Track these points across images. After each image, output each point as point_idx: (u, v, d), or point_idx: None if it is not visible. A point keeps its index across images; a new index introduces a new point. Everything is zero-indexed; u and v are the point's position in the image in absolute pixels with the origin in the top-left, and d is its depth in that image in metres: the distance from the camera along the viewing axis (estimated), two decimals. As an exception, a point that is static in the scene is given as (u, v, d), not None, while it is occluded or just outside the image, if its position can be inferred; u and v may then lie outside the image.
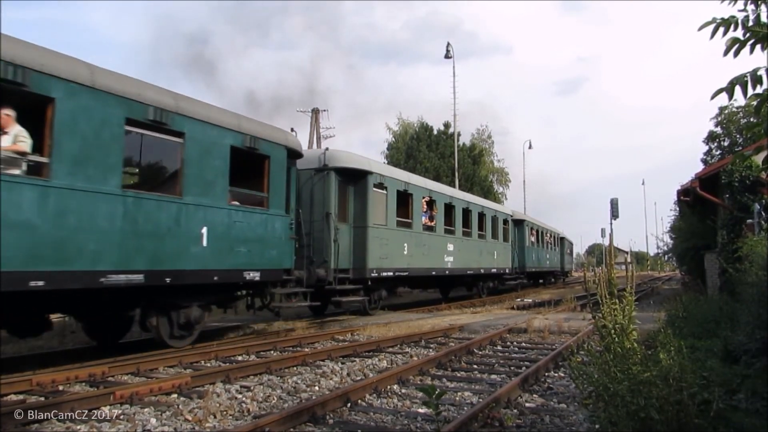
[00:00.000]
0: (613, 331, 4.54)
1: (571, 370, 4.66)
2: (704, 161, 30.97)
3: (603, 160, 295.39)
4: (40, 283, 6.28)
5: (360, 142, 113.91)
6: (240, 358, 8.40)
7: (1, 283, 5.85)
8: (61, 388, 6.28)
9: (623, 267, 36.78)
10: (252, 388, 6.18)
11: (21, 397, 5.89)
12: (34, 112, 6.65)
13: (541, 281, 33.86)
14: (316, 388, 6.35)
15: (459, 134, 36.35)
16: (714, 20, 2.61)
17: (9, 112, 6.64)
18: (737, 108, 28.66)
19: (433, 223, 17.07)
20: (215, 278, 8.76)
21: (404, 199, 15.56)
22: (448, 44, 29.28)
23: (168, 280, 7.93)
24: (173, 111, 8.13)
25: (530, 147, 45.67)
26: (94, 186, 6.94)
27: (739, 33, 2.57)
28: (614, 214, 26.84)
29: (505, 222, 24.69)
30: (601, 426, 3.62)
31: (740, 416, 3.88)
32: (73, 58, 7.02)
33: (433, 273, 17.11)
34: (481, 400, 5.47)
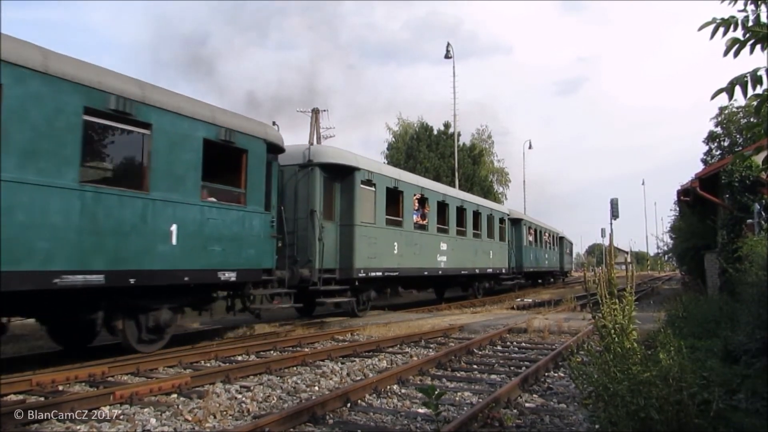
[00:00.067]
0: (613, 331, 4.54)
1: (571, 370, 4.66)
2: (704, 161, 30.99)
3: (603, 160, 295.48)
4: None
5: (360, 142, 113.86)
6: (240, 358, 8.39)
7: None
8: (61, 388, 6.28)
9: (623, 267, 36.72)
10: (252, 388, 6.18)
11: (21, 397, 5.90)
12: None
13: (540, 281, 33.58)
14: (316, 388, 6.36)
15: (459, 134, 36.40)
16: (714, 20, 2.61)
17: None
18: (737, 108, 28.68)
19: (425, 222, 16.67)
20: (186, 279, 8.26)
21: (394, 197, 15.09)
22: (448, 44, 29.32)
23: (132, 280, 7.43)
24: (139, 101, 7.64)
25: (530, 147, 45.77)
26: (47, 180, 6.43)
27: (738, 33, 2.57)
28: (614, 214, 26.82)
29: (502, 221, 24.29)
30: (601, 426, 3.62)
31: (740, 416, 3.89)
32: (23, 41, 6.50)
33: (426, 273, 16.70)
34: (480, 400, 5.47)
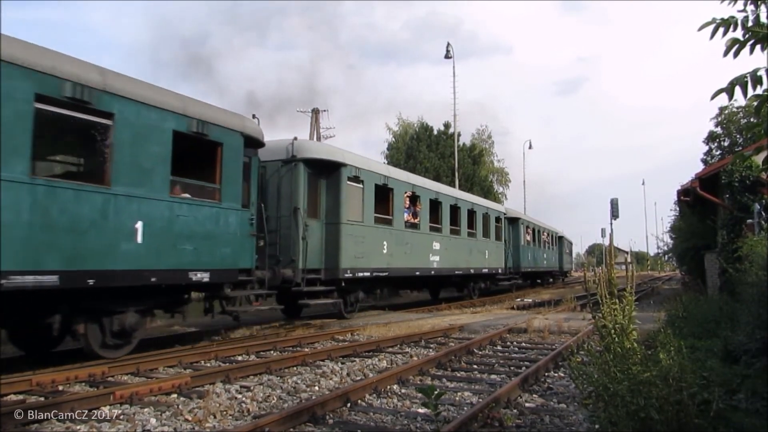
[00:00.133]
0: (613, 331, 4.54)
1: (571, 370, 4.66)
2: (704, 161, 31.02)
3: (603, 160, 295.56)
4: None
5: (360, 143, 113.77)
6: (240, 358, 8.39)
7: None
8: (61, 388, 6.28)
9: (623, 267, 36.70)
10: (252, 388, 6.19)
11: (21, 397, 5.90)
12: None
13: (538, 281, 33.21)
14: (316, 388, 6.36)
15: (459, 134, 36.37)
16: (714, 21, 2.62)
17: None
18: (737, 108, 28.71)
19: (416, 220, 16.20)
20: (153, 279, 7.76)
21: (384, 194, 14.56)
22: (448, 44, 29.30)
23: (91, 281, 6.91)
24: (99, 88, 7.13)
25: (530, 147, 45.87)
26: None
27: (738, 33, 2.58)
28: (614, 214, 26.81)
29: (498, 220, 23.73)
30: (601, 426, 3.62)
31: (740, 416, 3.89)
32: None
33: (417, 273, 16.19)
34: (480, 400, 5.47)
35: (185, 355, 8.03)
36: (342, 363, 7.81)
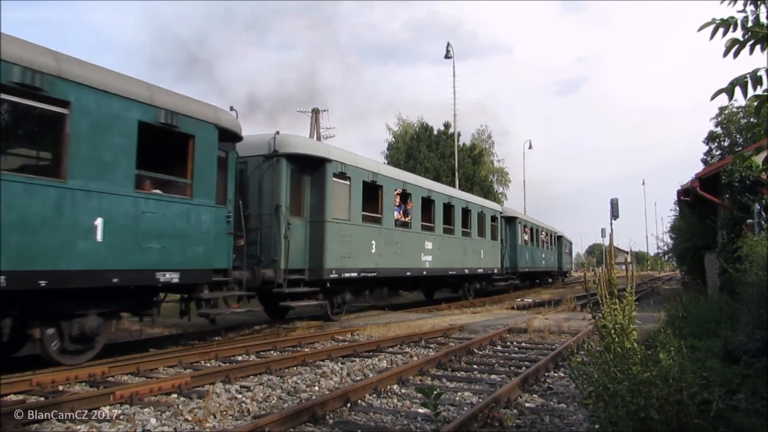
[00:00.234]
0: (613, 331, 4.55)
1: (571, 370, 4.66)
2: (704, 161, 31.03)
3: (603, 160, 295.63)
4: None
5: (360, 143, 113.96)
6: (240, 358, 8.40)
7: None
8: (61, 388, 6.28)
9: (623, 267, 36.69)
10: (252, 388, 6.19)
11: (21, 397, 5.90)
12: None
13: (537, 282, 32.85)
14: (316, 388, 6.36)
15: (459, 134, 36.38)
16: (713, 21, 2.62)
17: None
18: (737, 108, 28.72)
19: (407, 219, 15.68)
20: (115, 280, 7.22)
21: (372, 192, 13.99)
22: (448, 44, 29.31)
23: (43, 283, 6.40)
24: (53, 74, 6.60)
25: (530, 147, 45.85)
26: None
27: (738, 34, 2.58)
28: (614, 214, 26.83)
29: (494, 219, 23.14)
30: (601, 426, 3.62)
31: (740, 416, 3.89)
32: None
33: (408, 274, 15.61)
34: (480, 400, 5.47)
35: (185, 355, 8.03)
36: (342, 363, 7.81)
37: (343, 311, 13.40)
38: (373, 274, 13.65)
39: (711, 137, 31.59)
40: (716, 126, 31.12)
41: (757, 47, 2.55)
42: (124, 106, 7.50)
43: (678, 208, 24.22)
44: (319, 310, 12.60)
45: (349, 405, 5.40)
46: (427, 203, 17.07)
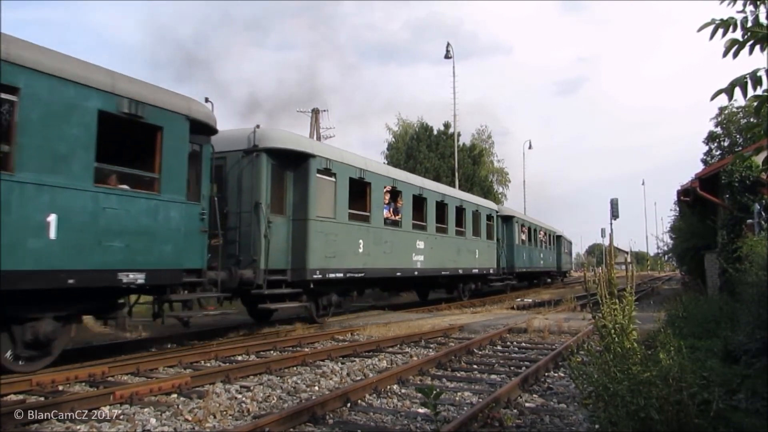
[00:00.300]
0: (613, 331, 4.55)
1: (571, 370, 4.66)
2: (704, 161, 31.08)
3: (603, 160, 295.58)
4: None
5: (360, 142, 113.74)
6: (240, 358, 8.40)
7: None
8: (61, 388, 6.29)
9: (623, 267, 36.64)
10: (252, 388, 6.19)
11: (21, 397, 5.90)
12: None
13: (535, 282, 32.34)
14: (316, 388, 6.36)
15: (459, 134, 36.39)
16: (713, 21, 2.62)
17: None
18: (737, 108, 28.76)
19: (398, 217, 15.12)
20: (71, 281, 6.67)
21: (360, 189, 13.43)
22: (448, 44, 29.30)
23: None
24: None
25: (530, 147, 45.86)
26: None
27: (738, 34, 2.58)
28: (614, 214, 26.84)
29: (490, 218, 22.51)
30: (601, 426, 3.62)
31: (740, 416, 3.89)
32: None
33: (398, 274, 14.99)
34: (480, 400, 5.47)
35: (185, 355, 8.03)
36: (342, 363, 7.81)
37: (330, 313, 12.89)
38: (360, 275, 13.10)
39: (711, 137, 31.64)
40: (716, 126, 31.20)
41: (757, 47, 2.56)
42: (81, 94, 6.94)
43: (678, 208, 24.22)
44: (302, 311, 12.20)
45: (349, 405, 5.40)
46: (419, 201, 16.49)
